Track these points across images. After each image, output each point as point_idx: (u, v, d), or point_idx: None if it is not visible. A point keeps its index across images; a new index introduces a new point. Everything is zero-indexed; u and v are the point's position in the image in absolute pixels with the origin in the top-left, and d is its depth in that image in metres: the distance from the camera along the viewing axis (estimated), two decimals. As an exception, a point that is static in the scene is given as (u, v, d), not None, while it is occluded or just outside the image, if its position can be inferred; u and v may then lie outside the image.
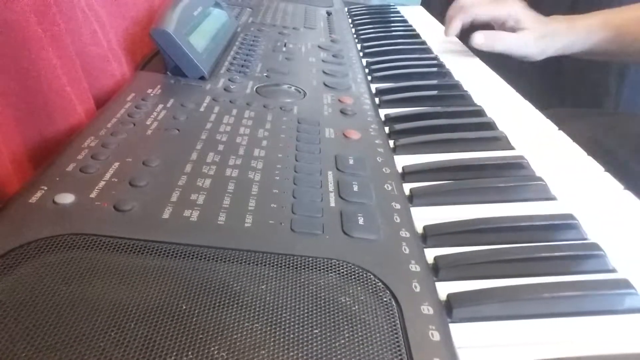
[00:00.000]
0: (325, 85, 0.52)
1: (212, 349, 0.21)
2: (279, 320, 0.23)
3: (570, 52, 0.69)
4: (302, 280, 0.25)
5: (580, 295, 0.27)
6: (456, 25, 0.70)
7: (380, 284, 0.26)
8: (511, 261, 0.29)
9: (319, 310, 0.23)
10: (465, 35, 0.73)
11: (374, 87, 0.56)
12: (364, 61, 0.66)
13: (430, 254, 0.30)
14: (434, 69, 0.63)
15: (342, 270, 0.26)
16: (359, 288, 0.25)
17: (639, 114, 0.88)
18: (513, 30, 0.68)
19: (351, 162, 0.37)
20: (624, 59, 0.74)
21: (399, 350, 0.22)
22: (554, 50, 0.68)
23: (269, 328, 0.22)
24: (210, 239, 0.27)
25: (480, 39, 0.66)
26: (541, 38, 0.67)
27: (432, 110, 0.50)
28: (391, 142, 0.43)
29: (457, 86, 0.58)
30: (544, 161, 0.41)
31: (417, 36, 0.79)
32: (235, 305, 0.23)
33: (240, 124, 0.40)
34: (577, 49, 0.69)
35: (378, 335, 0.23)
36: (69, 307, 0.22)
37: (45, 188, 0.29)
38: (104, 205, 0.28)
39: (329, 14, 0.87)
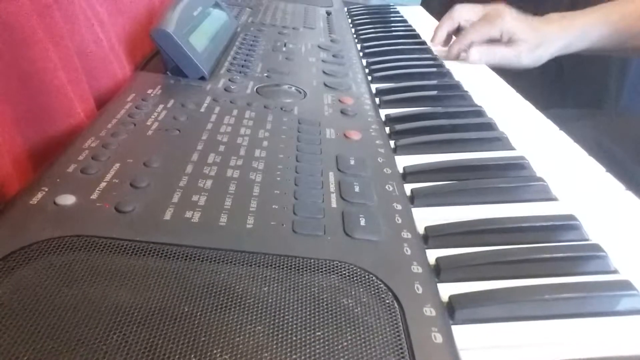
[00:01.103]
0: (326, 85, 0.52)
1: (215, 351, 0.21)
2: (281, 323, 0.22)
3: (567, 52, 0.69)
4: (304, 282, 0.25)
5: (582, 296, 0.27)
6: (442, 36, 0.71)
7: (382, 285, 0.26)
8: (513, 262, 0.29)
9: (321, 312, 0.23)
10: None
11: (374, 87, 0.56)
12: (364, 61, 0.66)
13: (432, 255, 0.30)
14: (434, 69, 0.63)
15: (344, 272, 0.26)
16: (361, 290, 0.25)
17: (639, 114, 0.88)
18: (508, 43, 0.68)
19: (352, 162, 0.37)
20: (623, 54, 0.74)
21: (402, 353, 0.22)
22: (550, 54, 0.68)
23: (271, 330, 0.22)
24: (211, 241, 0.27)
25: (475, 55, 0.67)
26: (535, 48, 0.67)
27: (433, 110, 0.50)
28: (392, 143, 0.43)
29: (457, 86, 0.58)
30: (544, 162, 0.41)
31: (417, 36, 0.79)
32: (238, 307, 0.23)
33: (241, 125, 0.40)
34: (574, 49, 0.69)
35: (380, 337, 0.23)
36: (71, 309, 0.22)
37: (46, 189, 0.29)
38: (105, 206, 0.28)
39: (328, 14, 0.87)
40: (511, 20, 0.67)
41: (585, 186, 0.39)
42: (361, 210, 0.31)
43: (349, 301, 0.24)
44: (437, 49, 0.73)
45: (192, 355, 0.20)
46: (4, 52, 0.33)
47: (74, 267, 0.24)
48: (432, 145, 0.43)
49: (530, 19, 0.68)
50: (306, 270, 0.26)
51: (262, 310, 0.23)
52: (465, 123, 0.47)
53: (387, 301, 0.25)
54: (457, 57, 0.70)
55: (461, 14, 0.72)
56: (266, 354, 0.21)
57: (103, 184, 0.30)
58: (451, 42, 0.72)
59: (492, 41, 0.68)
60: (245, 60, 0.56)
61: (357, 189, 0.33)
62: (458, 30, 0.74)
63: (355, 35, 0.80)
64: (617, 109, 0.89)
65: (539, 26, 0.68)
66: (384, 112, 0.49)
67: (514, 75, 0.64)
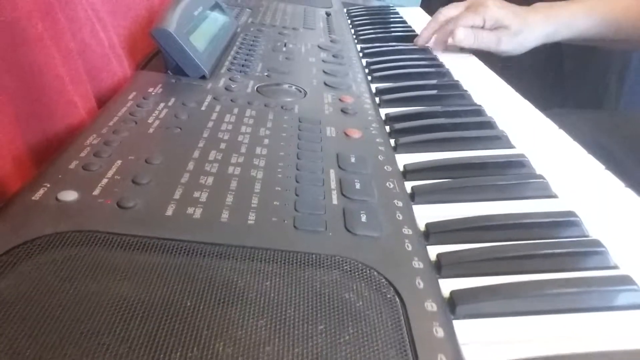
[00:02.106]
0: (326, 84, 0.52)
1: (217, 345, 0.21)
2: (283, 317, 0.23)
3: (552, 40, 0.70)
4: (306, 276, 0.25)
5: (582, 291, 0.27)
6: (426, 37, 0.73)
7: (383, 280, 0.26)
8: (513, 258, 0.29)
9: (323, 306, 0.23)
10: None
11: (374, 86, 0.56)
12: (363, 61, 0.66)
13: (433, 251, 0.30)
14: (434, 69, 0.64)
15: (345, 267, 0.26)
16: (362, 285, 0.25)
17: (639, 114, 0.89)
18: (492, 29, 0.69)
19: (353, 160, 0.37)
20: (608, 45, 0.74)
21: (404, 347, 0.22)
22: (534, 42, 0.69)
23: (273, 324, 0.22)
24: (213, 236, 0.27)
25: (460, 34, 0.68)
26: (517, 34, 0.68)
27: (433, 109, 0.50)
28: (392, 141, 0.43)
29: (456, 86, 0.58)
30: (544, 159, 0.41)
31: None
32: (240, 302, 0.23)
33: (242, 123, 0.40)
34: (560, 37, 0.70)
35: (382, 331, 0.23)
36: (73, 304, 0.22)
37: (48, 185, 0.29)
38: (107, 202, 0.28)
39: (328, 14, 0.88)
40: (494, 7, 0.68)
41: (585, 183, 0.39)
42: (362, 206, 0.31)
43: (351, 296, 0.24)
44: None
45: (195, 349, 0.20)
46: (5, 51, 0.33)
47: (76, 262, 0.24)
48: (432, 143, 0.43)
49: (515, 6, 0.69)
50: (308, 265, 0.26)
51: (264, 305, 0.23)
52: (465, 122, 0.47)
53: (389, 296, 0.25)
54: (442, 46, 0.71)
55: (445, 13, 0.74)
56: (268, 348, 0.21)
57: (105, 180, 0.30)
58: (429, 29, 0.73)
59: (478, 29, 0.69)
60: (245, 60, 0.56)
61: (357, 186, 0.34)
62: None
63: (354, 36, 0.81)
64: (617, 109, 0.89)
65: (522, 13, 0.69)
66: (384, 111, 0.50)
67: (513, 75, 0.64)
